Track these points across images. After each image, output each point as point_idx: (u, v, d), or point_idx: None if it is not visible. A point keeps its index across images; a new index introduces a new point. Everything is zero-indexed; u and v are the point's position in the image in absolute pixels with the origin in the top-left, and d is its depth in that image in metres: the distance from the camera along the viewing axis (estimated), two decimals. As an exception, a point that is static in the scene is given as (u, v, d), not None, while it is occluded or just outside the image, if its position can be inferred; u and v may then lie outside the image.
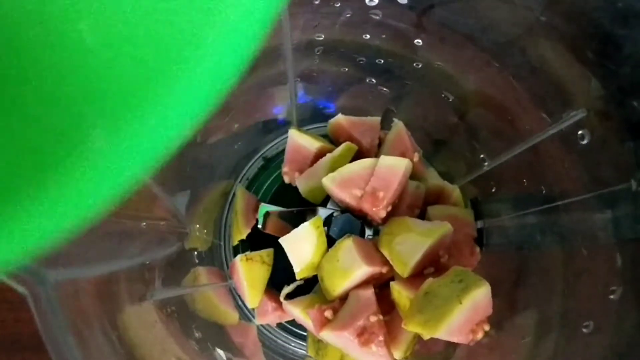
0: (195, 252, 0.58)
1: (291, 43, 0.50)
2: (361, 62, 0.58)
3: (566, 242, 0.49)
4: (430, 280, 0.52)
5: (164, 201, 0.47)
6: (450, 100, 0.58)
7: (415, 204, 0.65)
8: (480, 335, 0.49)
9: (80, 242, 0.34)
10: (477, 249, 0.62)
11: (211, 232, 0.64)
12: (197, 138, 0.51)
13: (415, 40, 0.52)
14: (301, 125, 0.71)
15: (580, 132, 0.42)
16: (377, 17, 0.49)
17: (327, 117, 0.69)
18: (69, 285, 0.30)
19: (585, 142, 0.42)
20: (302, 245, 0.59)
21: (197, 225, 0.58)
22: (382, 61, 0.57)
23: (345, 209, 0.65)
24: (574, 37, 0.40)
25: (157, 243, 0.47)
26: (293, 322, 0.68)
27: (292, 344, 0.69)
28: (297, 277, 0.62)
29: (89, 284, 0.32)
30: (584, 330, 0.41)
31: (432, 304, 0.50)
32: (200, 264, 0.60)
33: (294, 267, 0.61)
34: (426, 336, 0.50)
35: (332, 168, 0.63)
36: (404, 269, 0.55)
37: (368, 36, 0.52)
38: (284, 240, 0.59)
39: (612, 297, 0.39)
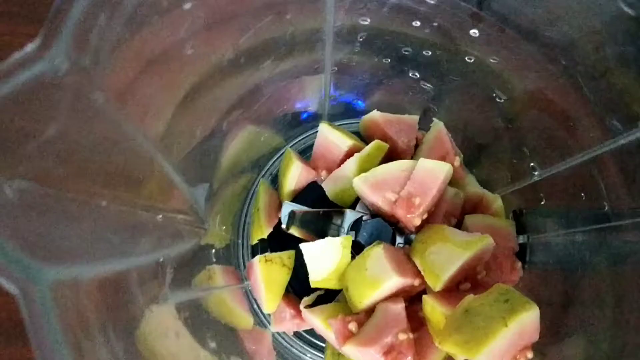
0: (213, 250, 0.53)
1: (333, 26, 0.45)
2: (406, 52, 0.53)
3: (624, 267, 0.43)
4: (470, 297, 0.47)
5: (183, 192, 0.42)
6: (502, 100, 0.53)
7: (452, 212, 0.60)
8: (522, 362, 0.44)
9: (86, 235, 0.30)
10: (519, 265, 0.57)
11: (230, 229, 0.60)
12: (222, 125, 0.46)
13: (471, 31, 0.47)
14: (332, 120, 0.67)
15: (657, 143, 0.37)
16: (431, 2, 0.45)
17: (359, 113, 0.65)
18: (69, 286, 0.25)
19: (663, 154, 0.37)
20: (323, 258, 0.55)
21: (216, 221, 0.53)
22: (430, 53, 0.52)
23: (376, 213, 0.61)
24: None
25: (172, 239, 0.42)
26: (311, 332, 0.64)
27: (308, 355, 0.65)
28: (312, 286, 0.57)
29: (92, 285, 0.28)
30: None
31: (473, 324, 0.45)
32: (217, 262, 0.55)
33: (309, 277, 0.56)
34: (461, 358, 0.46)
35: (361, 168, 0.59)
36: (436, 282, 0.51)
37: (418, 23, 0.47)
38: (305, 247, 0.55)
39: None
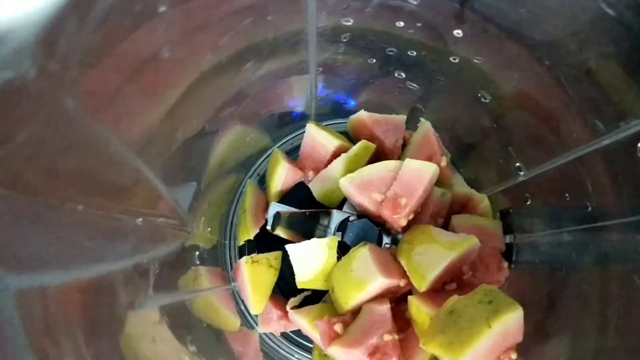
0: (197, 252, 0.53)
1: (316, 27, 0.45)
2: (391, 53, 0.52)
3: (611, 267, 0.43)
4: (455, 297, 0.47)
5: (164, 195, 0.42)
6: (487, 100, 0.53)
7: (439, 212, 0.60)
8: (506, 363, 0.44)
9: (57, 241, 0.29)
10: (505, 265, 0.57)
11: (216, 230, 0.59)
12: (205, 127, 0.46)
13: (455, 32, 0.46)
14: (319, 120, 0.66)
15: (640, 145, 0.37)
16: (415, 2, 0.44)
17: (347, 113, 0.65)
18: (35, 294, 0.25)
19: (645, 155, 0.37)
20: (310, 259, 0.55)
21: (201, 222, 0.53)
22: (415, 53, 0.52)
23: (362, 213, 0.60)
24: (642, 34, 0.34)
25: (153, 242, 0.42)
26: (298, 332, 0.64)
27: (296, 356, 0.65)
28: (299, 287, 0.57)
29: (62, 292, 0.27)
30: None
31: (457, 325, 0.45)
32: (202, 264, 0.55)
33: (296, 278, 0.56)
34: (445, 359, 0.46)
35: (348, 169, 0.59)
36: (421, 282, 0.50)
37: (402, 24, 0.47)
38: (291, 249, 0.55)
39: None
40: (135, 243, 0.38)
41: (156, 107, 0.36)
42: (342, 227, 0.60)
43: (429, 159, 0.59)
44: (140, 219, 0.39)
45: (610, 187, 0.42)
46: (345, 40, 0.50)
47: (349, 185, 0.56)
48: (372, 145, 0.61)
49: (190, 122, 0.43)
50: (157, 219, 0.42)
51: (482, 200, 0.61)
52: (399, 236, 0.59)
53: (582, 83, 0.41)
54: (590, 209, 0.45)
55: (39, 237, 0.27)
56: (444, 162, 0.60)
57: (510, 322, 0.44)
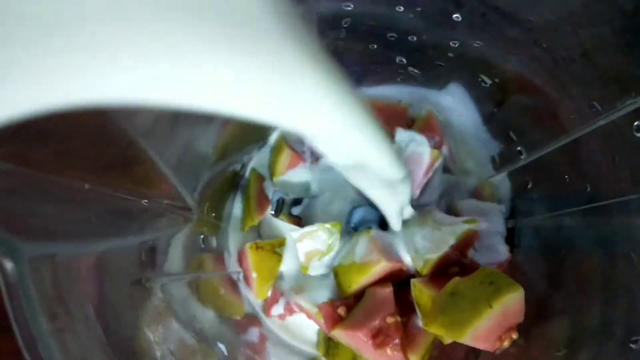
0: (202, 236, 0.54)
1: (316, 12, 0.46)
2: (392, 38, 0.53)
3: (609, 247, 0.44)
4: (456, 279, 0.48)
5: (170, 179, 0.43)
6: (487, 85, 0.54)
7: (441, 196, 0.60)
8: (507, 343, 0.45)
9: (67, 216, 0.30)
10: (508, 248, 0.58)
11: (220, 216, 0.60)
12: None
13: (454, 16, 0.47)
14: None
15: (636, 123, 0.37)
16: (413, -13, 0.45)
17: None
18: (47, 262, 0.26)
19: (642, 134, 0.37)
20: (312, 244, 0.55)
21: (206, 207, 0.54)
22: (415, 38, 0.52)
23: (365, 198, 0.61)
24: (637, 14, 0.35)
25: (159, 223, 0.43)
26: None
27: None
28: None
29: (72, 264, 0.28)
30: (632, 346, 0.36)
31: (458, 306, 0.46)
32: (206, 249, 0.56)
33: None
34: (448, 340, 0.46)
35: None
36: (423, 266, 0.51)
37: (402, 8, 0.48)
38: (294, 234, 0.56)
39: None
40: (141, 223, 0.39)
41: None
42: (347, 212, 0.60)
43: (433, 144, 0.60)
44: (146, 200, 0.40)
45: (607, 167, 0.43)
46: (346, 25, 0.51)
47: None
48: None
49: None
50: (162, 201, 0.43)
51: (486, 185, 0.62)
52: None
53: (578, 64, 0.42)
54: (589, 189, 0.45)
55: (49, 211, 0.28)
56: (446, 146, 0.61)
57: (511, 302, 0.44)
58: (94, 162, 0.33)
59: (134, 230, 0.38)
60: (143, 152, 0.38)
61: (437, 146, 0.60)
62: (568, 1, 0.39)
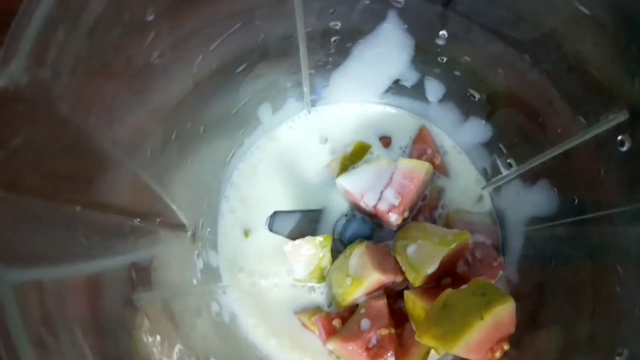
0: (196, 252, 0.54)
1: (305, 31, 0.46)
2: (380, 54, 0.54)
3: (597, 258, 0.44)
4: (449, 291, 0.48)
5: (162, 196, 0.44)
6: (476, 99, 0.54)
7: (434, 209, 0.61)
8: (499, 354, 0.45)
9: (56, 239, 0.31)
10: (500, 259, 0.58)
11: (215, 231, 0.61)
12: (200, 130, 0.48)
13: (440, 32, 0.48)
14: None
15: (619, 138, 0.38)
16: (399, 5, 0.46)
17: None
18: (33, 288, 0.26)
19: (624, 148, 0.38)
20: (305, 256, 0.56)
21: (200, 223, 0.55)
22: (404, 54, 0.53)
23: (358, 211, 0.62)
24: (616, 31, 0.35)
25: (151, 242, 0.43)
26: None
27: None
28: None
29: (60, 287, 0.29)
30: (617, 358, 0.36)
31: (451, 317, 0.46)
32: (202, 263, 0.56)
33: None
34: (441, 351, 0.47)
35: (343, 168, 0.60)
36: (416, 278, 0.52)
37: (389, 26, 0.48)
38: (287, 247, 0.56)
39: (650, 323, 0.35)
40: (133, 242, 0.40)
41: (150, 110, 0.38)
42: (338, 225, 0.61)
43: (425, 156, 0.61)
44: (139, 219, 0.40)
45: (594, 180, 0.43)
46: (335, 42, 0.51)
47: (344, 184, 0.57)
48: (369, 145, 0.63)
49: (184, 125, 0.44)
50: (155, 219, 0.43)
51: (479, 197, 0.62)
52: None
53: (563, 79, 0.42)
54: (576, 202, 0.46)
55: (38, 236, 0.29)
56: (439, 159, 0.62)
57: (503, 313, 0.45)
58: (83, 184, 0.34)
59: (126, 250, 0.38)
60: (133, 171, 0.38)
61: (429, 159, 0.61)
62: (550, 18, 0.39)
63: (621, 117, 0.37)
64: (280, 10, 0.43)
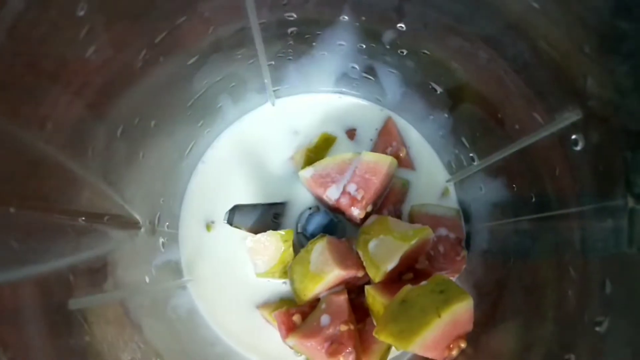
0: (154, 247, 0.53)
1: (258, 22, 0.45)
2: (341, 45, 0.53)
3: (553, 258, 0.44)
4: (408, 287, 0.48)
5: (109, 194, 0.42)
6: (438, 92, 0.53)
7: (399, 202, 0.60)
8: (455, 352, 0.45)
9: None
10: (464, 253, 0.58)
11: (176, 225, 0.59)
12: (151, 124, 0.46)
13: (398, 25, 0.46)
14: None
15: (574, 137, 0.37)
16: (354, -4, 0.44)
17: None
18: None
19: (578, 148, 0.37)
20: (266, 251, 0.55)
21: (157, 217, 0.54)
22: (364, 46, 0.52)
23: (322, 205, 0.61)
24: (569, 28, 0.34)
25: (99, 240, 0.42)
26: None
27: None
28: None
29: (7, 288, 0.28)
30: (566, 361, 0.36)
31: (408, 314, 0.46)
32: (161, 258, 0.55)
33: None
34: (398, 348, 0.46)
35: (307, 161, 0.59)
36: (376, 274, 0.51)
37: (346, 18, 0.47)
38: (248, 241, 0.56)
39: (597, 329, 0.34)
40: (75, 242, 0.38)
41: (89, 107, 0.36)
42: (301, 219, 0.60)
43: (390, 149, 0.60)
44: (83, 218, 0.39)
45: (550, 179, 0.42)
46: (292, 33, 0.50)
47: (307, 177, 0.56)
48: (334, 137, 0.62)
49: (131, 120, 0.43)
50: (102, 217, 0.42)
51: (443, 190, 0.62)
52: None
53: (519, 76, 0.41)
54: (534, 199, 0.45)
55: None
56: (404, 152, 0.61)
57: (460, 311, 0.44)
58: (18, 184, 0.33)
59: (65, 251, 0.37)
60: (72, 170, 0.37)
61: (394, 152, 0.60)
62: (504, 14, 0.38)
63: (575, 116, 0.36)
64: (229, 1, 0.41)
